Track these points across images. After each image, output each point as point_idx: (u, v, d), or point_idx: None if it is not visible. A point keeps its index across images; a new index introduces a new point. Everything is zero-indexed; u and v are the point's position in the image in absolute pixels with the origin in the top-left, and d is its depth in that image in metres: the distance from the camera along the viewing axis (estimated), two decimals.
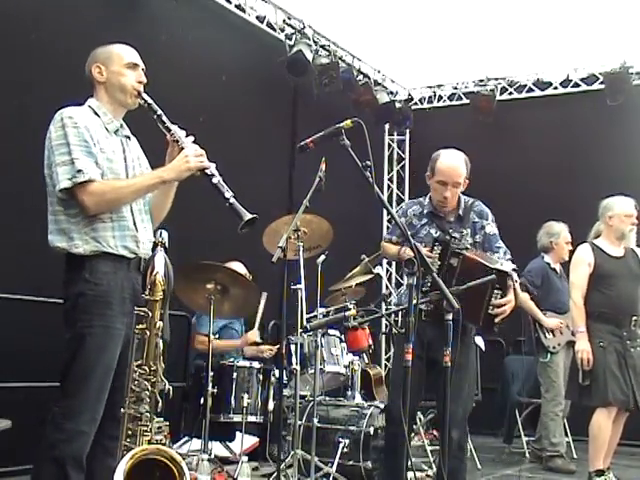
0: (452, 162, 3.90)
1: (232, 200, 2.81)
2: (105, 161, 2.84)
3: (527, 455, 6.40)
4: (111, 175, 2.86)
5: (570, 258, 5.48)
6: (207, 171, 2.85)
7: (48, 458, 2.69)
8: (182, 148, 2.88)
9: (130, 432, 2.66)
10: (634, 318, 4.83)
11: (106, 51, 2.99)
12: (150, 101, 2.95)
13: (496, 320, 3.68)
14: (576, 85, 8.35)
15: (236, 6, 6.82)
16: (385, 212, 8.82)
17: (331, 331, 5.14)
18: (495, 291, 3.66)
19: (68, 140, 2.77)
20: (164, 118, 2.92)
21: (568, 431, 6.47)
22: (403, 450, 2.91)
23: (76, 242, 2.79)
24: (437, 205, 3.95)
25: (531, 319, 6.08)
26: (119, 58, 2.97)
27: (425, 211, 3.96)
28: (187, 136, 2.95)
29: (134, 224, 2.91)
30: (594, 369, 4.76)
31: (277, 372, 4.75)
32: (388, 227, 9.19)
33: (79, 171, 2.74)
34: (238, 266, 5.11)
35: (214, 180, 2.84)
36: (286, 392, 4.70)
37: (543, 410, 6.07)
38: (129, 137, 3.06)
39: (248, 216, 2.79)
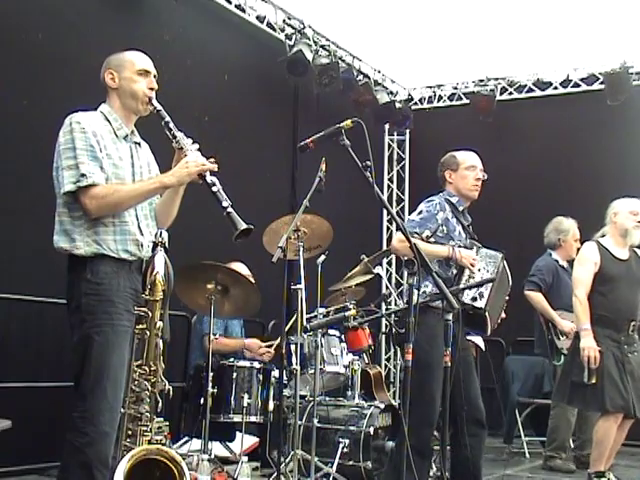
0: (469, 151, 4.08)
1: (229, 209, 2.83)
2: (111, 166, 2.89)
3: (527, 455, 6.41)
4: (116, 180, 2.89)
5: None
6: (207, 179, 2.87)
7: (74, 463, 2.69)
8: (186, 155, 2.91)
9: (130, 432, 2.66)
10: (632, 323, 4.75)
11: (119, 58, 3.04)
12: (159, 107, 2.99)
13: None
14: (576, 85, 8.34)
15: (236, 6, 6.82)
16: (385, 212, 8.81)
17: (331, 331, 5.13)
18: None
19: (75, 145, 2.83)
20: (171, 125, 2.96)
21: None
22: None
23: (77, 243, 2.82)
24: (470, 193, 4.01)
25: (543, 320, 5.86)
26: (131, 65, 3.01)
27: (461, 208, 4.01)
28: (192, 144, 2.97)
29: (139, 228, 2.94)
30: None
31: (277, 372, 4.75)
32: (388, 227, 9.20)
33: (83, 175, 2.79)
34: (240, 267, 5.12)
35: (213, 189, 2.87)
36: (286, 392, 4.69)
37: (556, 413, 5.84)
38: (139, 144, 3.10)
39: (243, 226, 2.82)
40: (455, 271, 3.89)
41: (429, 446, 3.81)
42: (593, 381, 4.63)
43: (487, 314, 3.81)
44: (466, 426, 3.76)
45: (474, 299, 3.78)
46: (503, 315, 4.02)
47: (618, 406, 4.62)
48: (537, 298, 5.85)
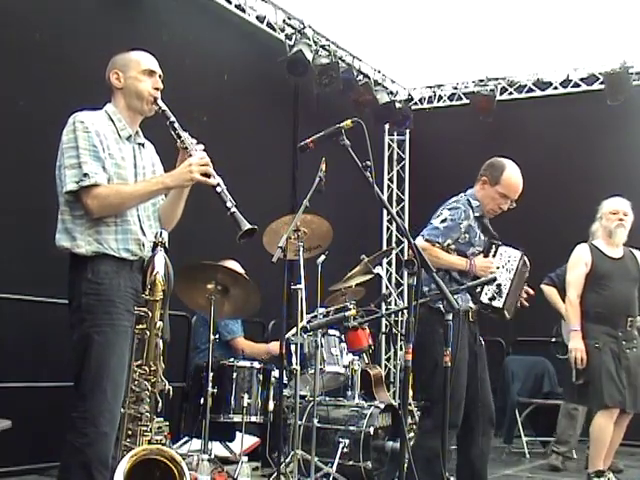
0: (520, 178, 4.00)
1: (233, 210, 2.83)
2: (113, 166, 2.88)
3: (527, 455, 6.41)
4: (118, 181, 2.89)
5: None
6: (211, 180, 2.86)
7: (74, 463, 2.69)
8: (190, 156, 2.91)
9: (130, 432, 2.66)
10: (629, 319, 4.82)
11: (124, 58, 3.04)
12: (164, 107, 2.99)
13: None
14: (576, 85, 8.34)
15: (236, 6, 6.82)
16: (385, 212, 8.81)
17: (331, 331, 5.13)
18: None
19: (78, 144, 2.82)
20: (176, 125, 2.96)
21: None
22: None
23: (78, 242, 2.82)
24: (487, 214, 4.02)
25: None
26: (136, 64, 3.01)
27: (477, 214, 3.98)
28: (197, 144, 2.97)
29: (141, 229, 2.94)
30: (590, 370, 4.74)
31: (277, 372, 4.74)
32: (388, 227, 9.19)
33: (85, 175, 2.79)
34: (233, 264, 5.10)
35: (218, 189, 2.86)
36: (286, 392, 4.69)
37: (561, 407, 5.93)
38: (143, 144, 3.09)
39: (247, 226, 2.81)
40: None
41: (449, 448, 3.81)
42: (581, 381, 4.76)
43: (505, 312, 3.85)
44: (480, 425, 3.77)
45: (492, 299, 3.81)
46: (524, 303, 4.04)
47: (616, 401, 4.69)
48: (548, 292, 6.00)
